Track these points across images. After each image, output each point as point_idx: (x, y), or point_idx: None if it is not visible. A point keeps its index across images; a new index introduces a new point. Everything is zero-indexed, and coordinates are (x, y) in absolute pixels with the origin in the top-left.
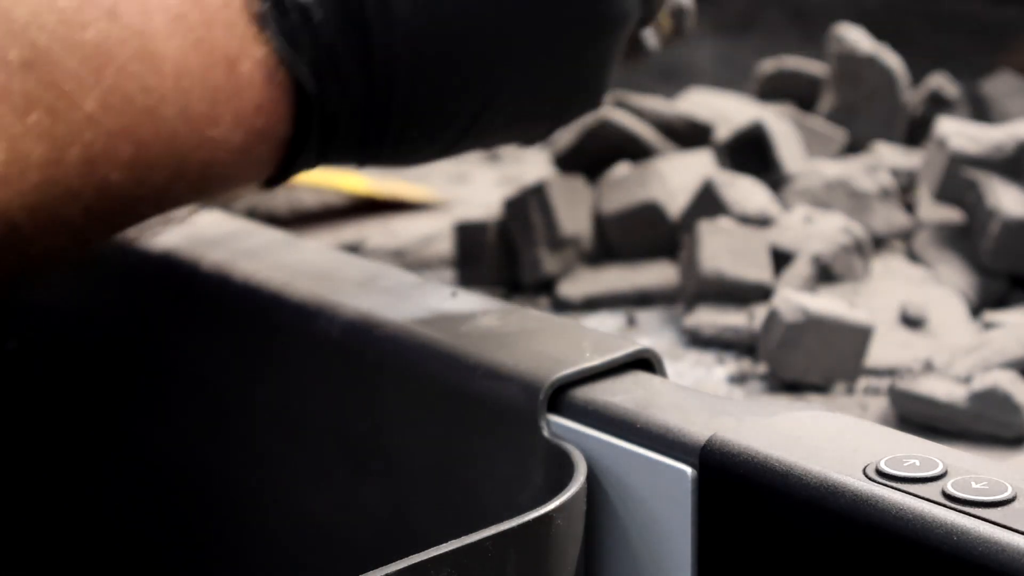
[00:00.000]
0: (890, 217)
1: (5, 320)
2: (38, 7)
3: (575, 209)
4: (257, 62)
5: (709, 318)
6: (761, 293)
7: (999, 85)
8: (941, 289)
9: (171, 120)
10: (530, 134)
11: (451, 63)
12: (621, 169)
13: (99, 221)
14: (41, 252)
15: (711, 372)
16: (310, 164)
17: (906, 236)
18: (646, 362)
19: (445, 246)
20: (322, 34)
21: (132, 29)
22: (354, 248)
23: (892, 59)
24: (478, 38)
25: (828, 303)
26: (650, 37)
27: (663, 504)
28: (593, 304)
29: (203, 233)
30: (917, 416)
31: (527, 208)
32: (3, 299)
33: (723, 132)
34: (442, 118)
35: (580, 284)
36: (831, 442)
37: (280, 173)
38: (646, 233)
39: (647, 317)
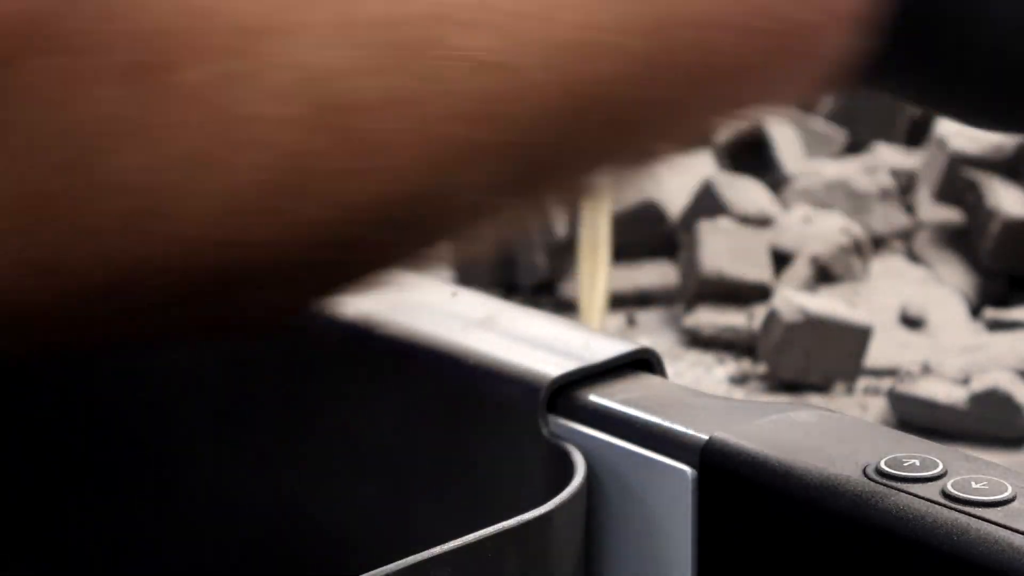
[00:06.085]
0: (890, 217)
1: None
2: None
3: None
4: None
5: (709, 318)
6: (761, 293)
7: None
8: (941, 289)
9: None
10: None
11: None
12: None
13: (674, 95)
14: (623, 133)
15: (711, 372)
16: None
17: (906, 236)
18: (646, 362)
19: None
20: None
21: None
22: None
23: None
24: None
25: (827, 303)
26: None
27: (663, 504)
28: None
29: None
30: (917, 419)
31: None
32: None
33: (723, 132)
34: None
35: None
36: (831, 442)
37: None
38: (646, 233)
39: (647, 317)
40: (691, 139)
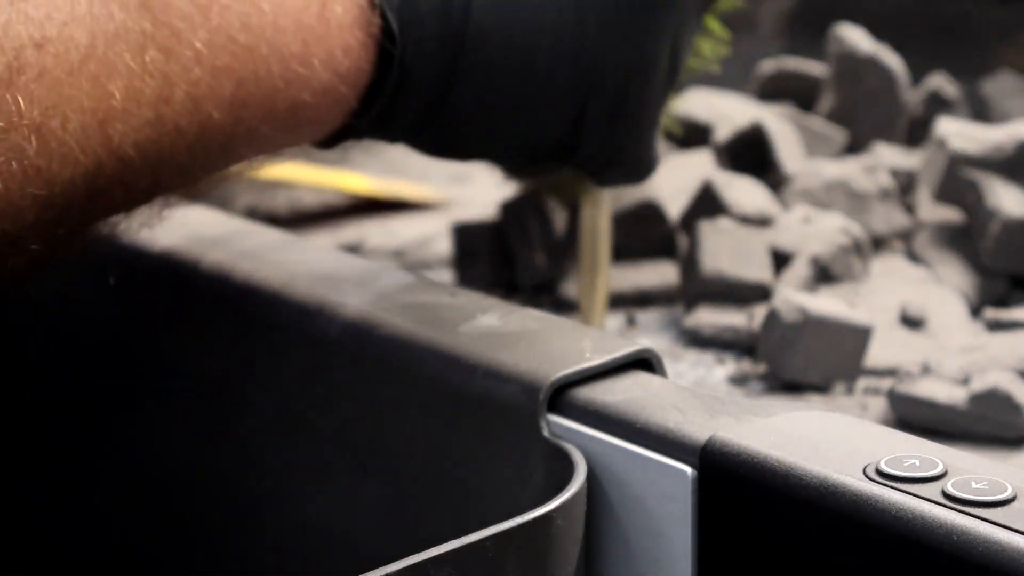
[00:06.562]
0: (890, 217)
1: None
2: None
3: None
4: (348, 3)
5: (709, 318)
6: (761, 293)
7: (999, 85)
8: (941, 289)
9: (267, 58)
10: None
11: (509, 66)
12: None
13: (200, 159)
14: (146, 188)
15: (711, 372)
16: (375, 127)
17: (906, 236)
18: (646, 362)
19: (444, 246)
20: None
21: None
22: (354, 248)
23: (892, 59)
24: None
25: (828, 303)
26: None
27: (663, 504)
28: None
29: (203, 233)
30: (917, 419)
31: (523, 212)
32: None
33: (723, 132)
34: (495, 113)
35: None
36: (831, 442)
37: (344, 130)
38: (646, 233)
39: (647, 317)
40: (202, 189)
